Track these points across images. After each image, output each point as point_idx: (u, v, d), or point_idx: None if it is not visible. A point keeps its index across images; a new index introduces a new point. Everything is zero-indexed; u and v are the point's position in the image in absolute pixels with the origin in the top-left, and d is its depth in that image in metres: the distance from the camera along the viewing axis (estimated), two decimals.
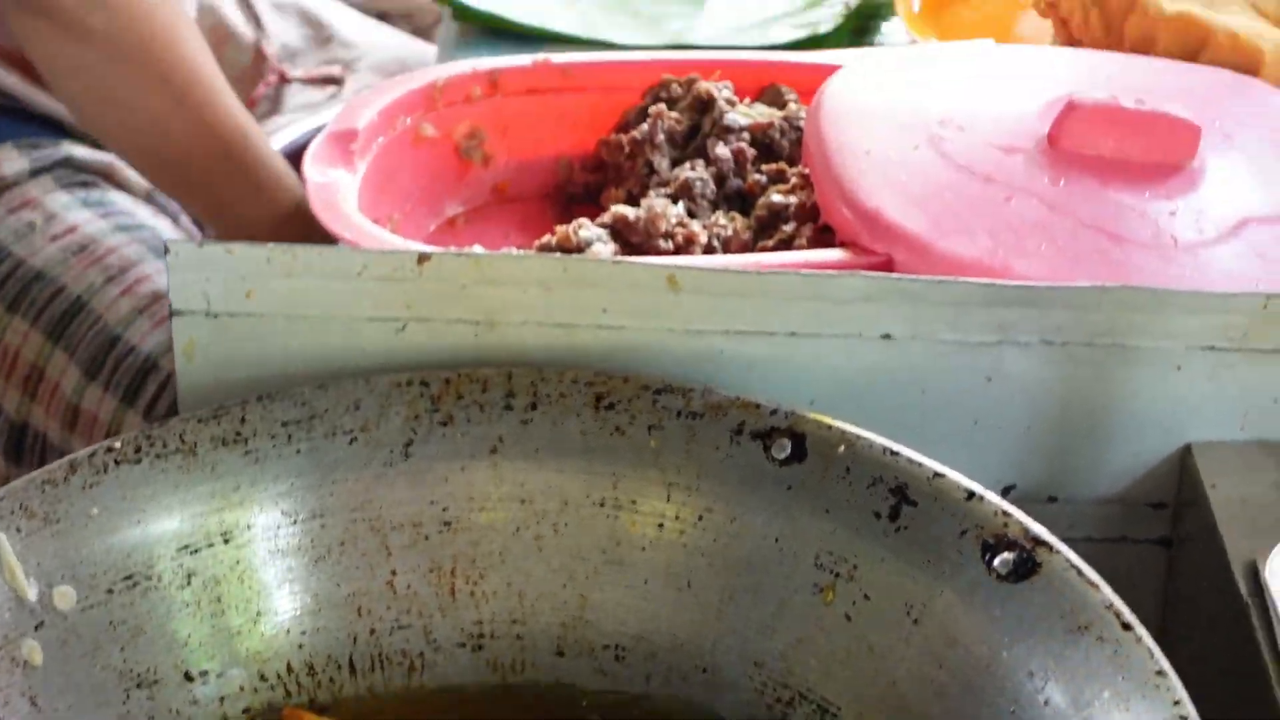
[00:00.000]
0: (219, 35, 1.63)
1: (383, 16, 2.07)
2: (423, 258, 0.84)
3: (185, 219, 1.51)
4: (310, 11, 1.74)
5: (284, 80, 1.68)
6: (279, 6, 1.71)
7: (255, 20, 1.68)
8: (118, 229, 1.42)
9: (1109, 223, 0.93)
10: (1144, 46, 1.15)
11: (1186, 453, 0.87)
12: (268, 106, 1.66)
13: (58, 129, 1.47)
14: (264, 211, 1.37)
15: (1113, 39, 1.17)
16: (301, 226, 1.26)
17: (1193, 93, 1.05)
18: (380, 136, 1.10)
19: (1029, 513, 0.79)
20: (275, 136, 1.59)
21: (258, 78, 1.66)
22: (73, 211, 1.42)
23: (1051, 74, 1.05)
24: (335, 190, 1.02)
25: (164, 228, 1.46)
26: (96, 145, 1.50)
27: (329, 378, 0.84)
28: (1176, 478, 0.88)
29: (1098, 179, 0.96)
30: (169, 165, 1.39)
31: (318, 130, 1.47)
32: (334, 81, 1.69)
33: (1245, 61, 1.13)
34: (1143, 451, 0.88)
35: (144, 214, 1.46)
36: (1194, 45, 1.14)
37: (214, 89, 1.33)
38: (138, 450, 0.80)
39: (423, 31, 1.94)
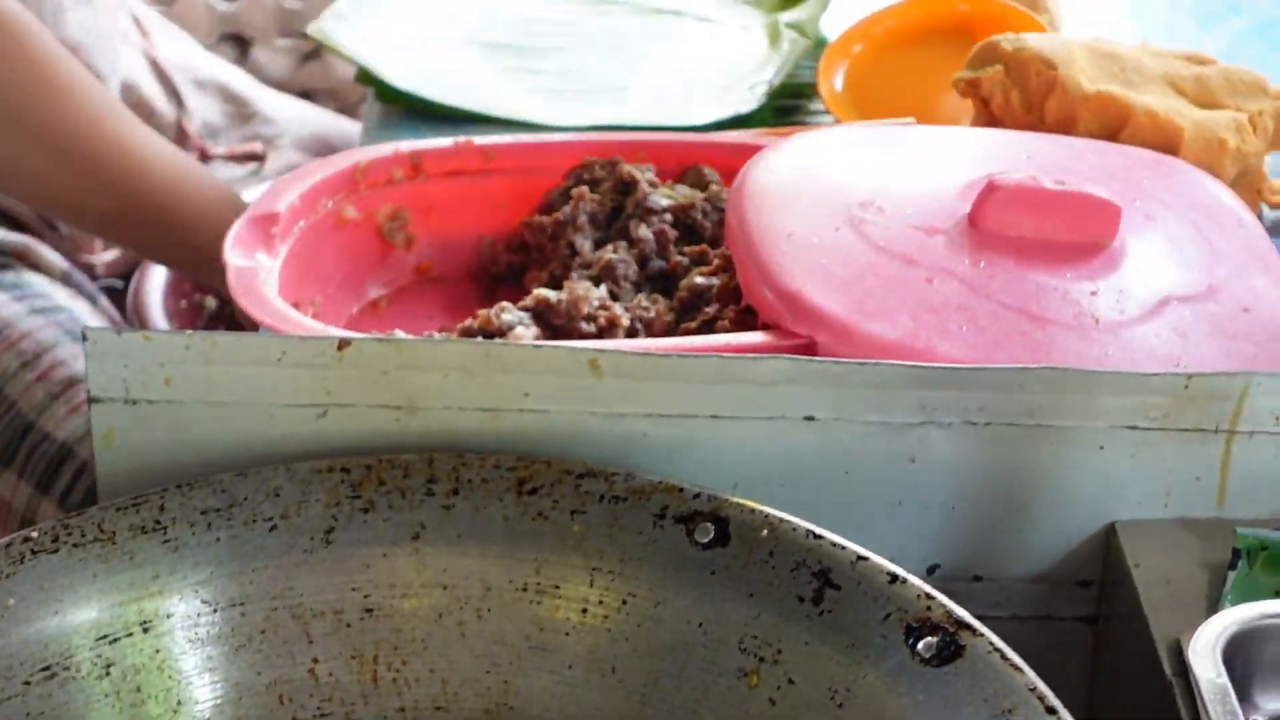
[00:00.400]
0: (140, 114, 1.62)
1: (306, 95, 2.07)
2: (343, 343, 0.83)
3: (104, 300, 1.51)
4: (231, 88, 1.74)
5: (205, 157, 1.67)
6: (200, 84, 1.71)
7: (176, 98, 1.68)
8: (33, 312, 1.41)
9: (1030, 303, 0.94)
10: (1064, 126, 1.16)
11: (1111, 531, 0.88)
12: None
13: None
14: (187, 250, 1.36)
15: (1033, 119, 1.18)
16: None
17: (1113, 172, 1.06)
18: (302, 220, 1.10)
19: (955, 592, 0.80)
20: None
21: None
22: None
23: (972, 154, 1.06)
24: (255, 275, 1.01)
25: (82, 310, 1.45)
26: (12, 227, 1.49)
27: (249, 465, 0.84)
28: (1102, 556, 0.89)
29: (1019, 259, 0.96)
30: (45, 204, 1.37)
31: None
32: (255, 158, 1.68)
33: (1165, 140, 1.14)
34: (1067, 530, 0.88)
35: (61, 296, 1.45)
36: (1114, 124, 1.15)
37: (78, 124, 1.30)
38: (55, 539, 0.79)
39: (349, 109, 1.94)
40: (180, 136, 1.66)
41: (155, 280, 1.49)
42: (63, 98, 1.29)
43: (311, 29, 1.48)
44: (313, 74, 1.53)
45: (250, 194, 1.58)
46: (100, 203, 1.33)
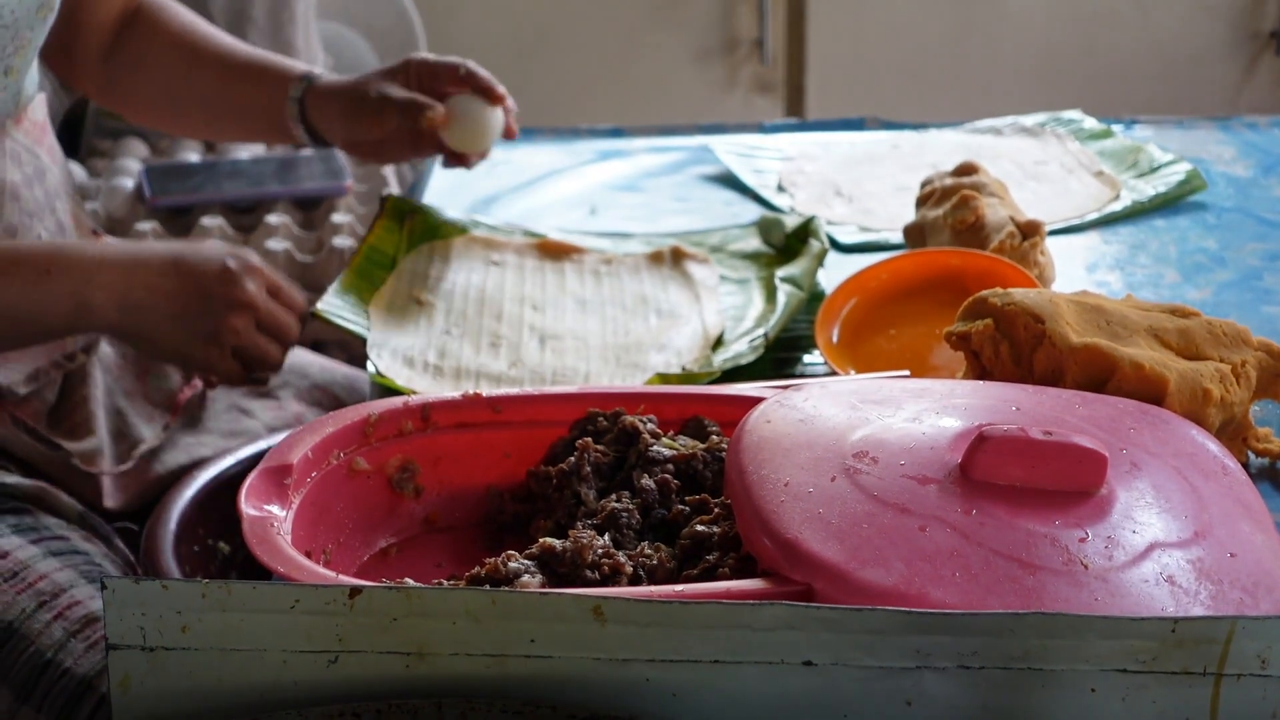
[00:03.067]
0: None
1: (317, 346, 2.10)
2: (354, 592, 0.86)
3: (118, 541, 1.53)
4: None
5: (209, 385, 1.70)
6: None
7: None
8: (50, 554, 1.43)
9: (1021, 550, 0.96)
10: (1053, 378, 1.19)
11: None
12: (191, 413, 1.68)
13: None
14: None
15: (1023, 370, 1.20)
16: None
17: (1100, 422, 1.09)
18: (314, 471, 1.12)
19: None
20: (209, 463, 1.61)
21: (183, 386, 1.69)
22: (4, 538, 1.43)
23: (963, 406, 1.09)
24: (269, 524, 1.03)
25: (97, 552, 1.47)
26: (25, 473, 1.52)
27: (263, 710, 0.86)
28: None
29: (1009, 507, 0.98)
30: None
31: (251, 458, 1.51)
32: (259, 381, 1.71)
33: (1151, 390, 1.17)
34: None
35: (76, 538, 1.47)
36: (1101, 375, 1.18)
37: None
38: None
39: (358, 360, 1.97)
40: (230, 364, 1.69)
41: (168, 525, 1.51)
42: None
43: (319, 305, 1.54)
44: (323, 326, 1.57)
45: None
46: None
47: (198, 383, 1.70)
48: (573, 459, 1.15)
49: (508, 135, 1.67)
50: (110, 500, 1.58)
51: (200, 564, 1.53)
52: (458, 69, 1.64)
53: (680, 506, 1.10)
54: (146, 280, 1.46)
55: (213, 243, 1.57)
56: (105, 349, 1.64)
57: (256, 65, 1.69)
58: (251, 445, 1.66)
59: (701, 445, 1.15)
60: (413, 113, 1.58)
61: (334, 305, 1.56)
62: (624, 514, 1.09)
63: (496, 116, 1.65)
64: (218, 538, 1.55)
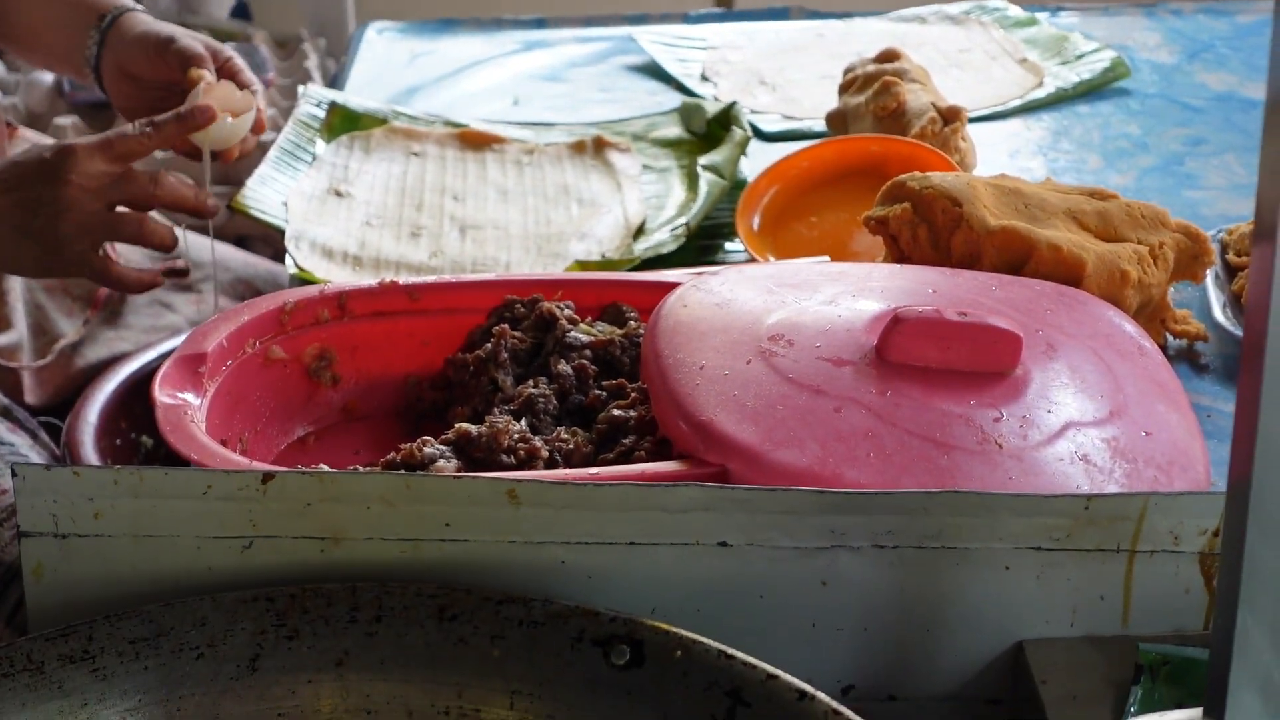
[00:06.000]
0: None
1: (240, 241, 2.09)
2: (267, 477, 0.85)
3: (44, 435, 1.52)
4: None
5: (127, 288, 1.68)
6: None
7: None
8: None
9: (935, 430, 0.96)
10: (971, 260, 1.19)
11: (1019, 650, 0.90)
12: (111, 308, 1.67)
13: None
14: None
15: (941, 254, 1.21)
16: None
17: (1016, 304, 1.09)
18: (229, 359, 1.12)
19: (869, 711, 0.82)
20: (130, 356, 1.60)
21: None
22: None
23: (879, 289, 1.09)
24: (183, 412, 1.03)
25: (22, 443, 1.46)
26: None
27: (177, 595, 0.85)
28: (1010, 674, 0.91)
29: (924, 388, 0.99)
30: None
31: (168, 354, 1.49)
32: (179, 274, 1.70)
33: (1068, 272, 1.17)
34: (977, 649, 0.91)
35: (2, 429, 1.46)
36: (1018, 258, 1.18)
37: None
38: None
39: (281, 255, 1.95)
40: (105, 262, 1.68)
41: (88, 419, 1.50)
42: None
43: (237, 200, 1.52)
44: (245, 220, 1.56)
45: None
46: None
47: None
48: (490, 345, 1.15)
49: (256, 129, 1.45)
50: (31, 395, 1.56)
51: (123, 458, 1.52)
52: (219, 53, 1.47)
53: (597, 391, 1.10)
54: None
55: (35, 145, 1.41)
56: None
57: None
58: (172, 339, 1.65)
59: (619, 331, 1.15)
60: (183, 62, 1.43)
61: (253, 198, 1.55)
62: (541, 399, 1.09)
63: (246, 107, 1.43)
64: (140, 432, 1.54)
